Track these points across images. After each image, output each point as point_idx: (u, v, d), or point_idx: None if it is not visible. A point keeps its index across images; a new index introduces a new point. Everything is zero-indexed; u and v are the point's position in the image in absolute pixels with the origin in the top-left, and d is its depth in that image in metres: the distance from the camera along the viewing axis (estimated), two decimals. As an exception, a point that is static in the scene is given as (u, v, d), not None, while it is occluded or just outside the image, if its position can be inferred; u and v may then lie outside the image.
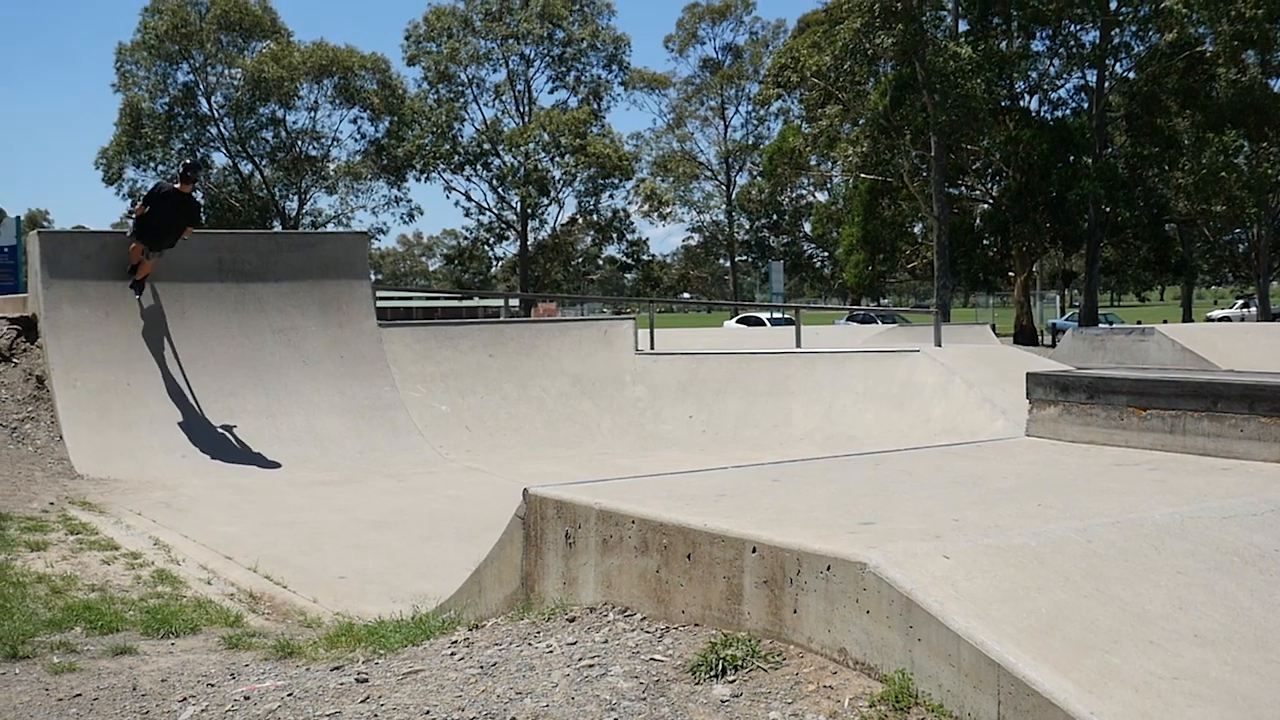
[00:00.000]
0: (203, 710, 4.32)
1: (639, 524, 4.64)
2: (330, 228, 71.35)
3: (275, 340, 15.08)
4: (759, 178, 79.81)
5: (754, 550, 4.10)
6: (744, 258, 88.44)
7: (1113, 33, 55.13)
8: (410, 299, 75.49)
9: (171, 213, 14.33)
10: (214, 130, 71.60)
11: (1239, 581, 3.90)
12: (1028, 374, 6.93)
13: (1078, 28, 56.62)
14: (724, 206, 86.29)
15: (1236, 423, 5.69)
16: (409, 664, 4.62)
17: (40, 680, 5.23)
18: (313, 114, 72.83)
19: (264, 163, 72.90)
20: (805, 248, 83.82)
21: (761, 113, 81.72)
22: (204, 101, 70.76)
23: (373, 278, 18.30)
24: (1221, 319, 72.32)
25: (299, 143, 72.76)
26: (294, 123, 72.78)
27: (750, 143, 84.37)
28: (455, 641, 4.87)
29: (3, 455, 12.77)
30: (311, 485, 12.39)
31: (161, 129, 69.24)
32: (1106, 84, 56.09)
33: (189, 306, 14.95)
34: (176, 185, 14.35)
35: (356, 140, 75.57)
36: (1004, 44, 55.77)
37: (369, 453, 14.04)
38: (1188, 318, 69.73)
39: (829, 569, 3.84)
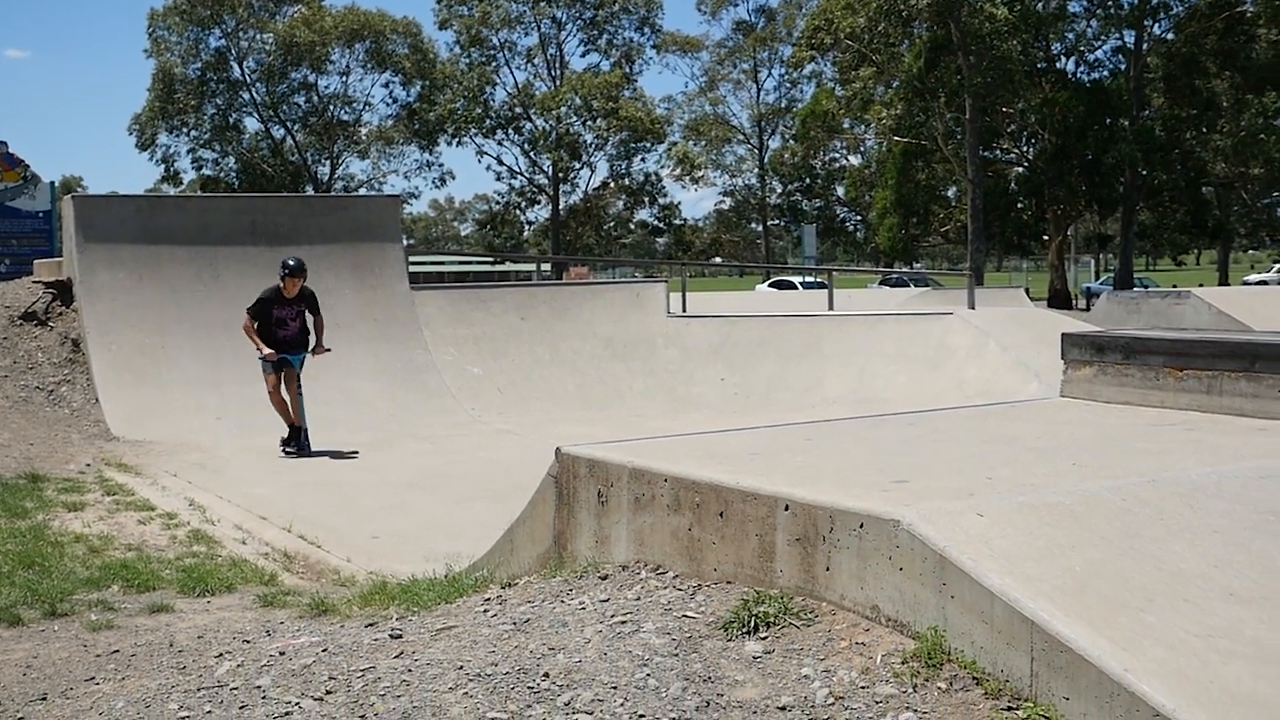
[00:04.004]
0: (238, 665, 4.35)
1: (671, 482, 4.64)
2: (362, 192, 71.45)
3: (309, 303, 15.13)
4: (792, 141, 79.31)
5: (786, 508, 4.10)
6: (776, 222, 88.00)
7: (1151, -8, 54.46)
8: (442, 264, 75.71)
9: (286, 315, 12.48)
10: (246, 95, 71.85)
11: (1274, 540, 3.87)
12: (1063, 334, 6.88)
13: (1116, -12, 55.96)
14: (756, 170, 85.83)
15: (1275, 383, 5.64)
16: (442, 620, 4.64)
17: (79, 637, 5.29)
18: (344, 78, 73.02)
19: (296, 128, 73.09)
20: (838, 211, 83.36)
21: (794, 75, 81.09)
22: (236, 67, 70.98)
23: (405, 242, 18.33)
24: (1259, 283, 71.64)
25: (331, 107, 72.89)
26: (326, 87, 72.99)
27: (783, 106, 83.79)
28: (488, 599, 4.89)
29: (40, 417, 12.89)
30: (345, 446, 12.46)
31: (194, 94, 69.45)
32: (1144, 45, 55.50)
33: (222, 270, 15.01)
34: (281, 286, 12.42)
35: (388, 105, 75.82)
36: (1040, 5, 55.14)
37: (401, 415, 14.09)
38: (1224, 282, 69.02)
39: (862, 526, 3.83)
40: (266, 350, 12.15)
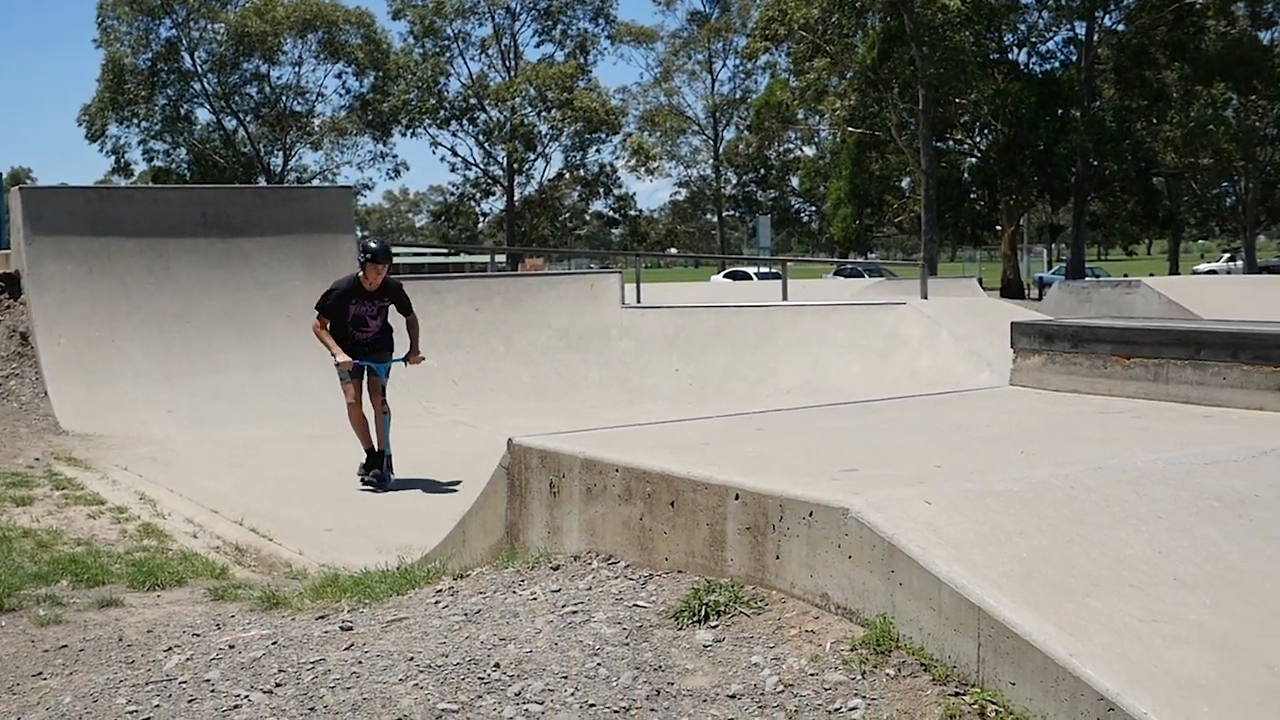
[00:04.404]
0: (188, 659, 4.32)
1: (623, 472, 4.65)
2: (315, 184, 70.99)
3: (260, 295, 15.02)
4: (746, 132, 79.46)
5: (737, 497, 4.11)
6: (731, 212, 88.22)
7: (1102, -16, 54.93)
8: (397, 255, 75.27)
9: (366, 312, 10.14)
10: (197, 86, 71.16)
11: (1219, 526, 3.91)
12: (1012, 323, 6.94)
13: (1067, -21, 56.40)
14: (711, 161, 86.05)
15: (1219, 370, 5.70)
16: (394, 612, 4.63)
17: (27, 632, 5.24)
18: (297, 69, 72.53)
19: (248, 119, 72.51)
20: (792, 202, 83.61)
21: (749, 66, 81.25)
22: (187, 57, 70.32)
23: (359, 233, 18.22)
24: (1208, 272, 72.43)
25: (283, 98, 72.37)
26: (278, 78, 72.48)
27: (738, 97, 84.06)
28: (440, 590, 4.89)
29: (-12, 411, 12.75)
30: (297, 439, 12.39)
31: (144, 85, 68.76)
32: (1095, 36, 55.97)
33: (173, 262, 14.87)
34: (360, 275, 10.01)
35: (341, 96, 75.28)
36: (992, -4, 55.44)
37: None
38: (1174, 271, 69.75)
39: (811, 515, 3.85)
40: (342, 357, 9.82)
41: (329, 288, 10.16)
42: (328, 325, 10.01)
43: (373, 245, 10.07)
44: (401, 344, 10.45)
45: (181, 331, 14.25)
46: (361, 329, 10.12)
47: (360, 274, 10.00)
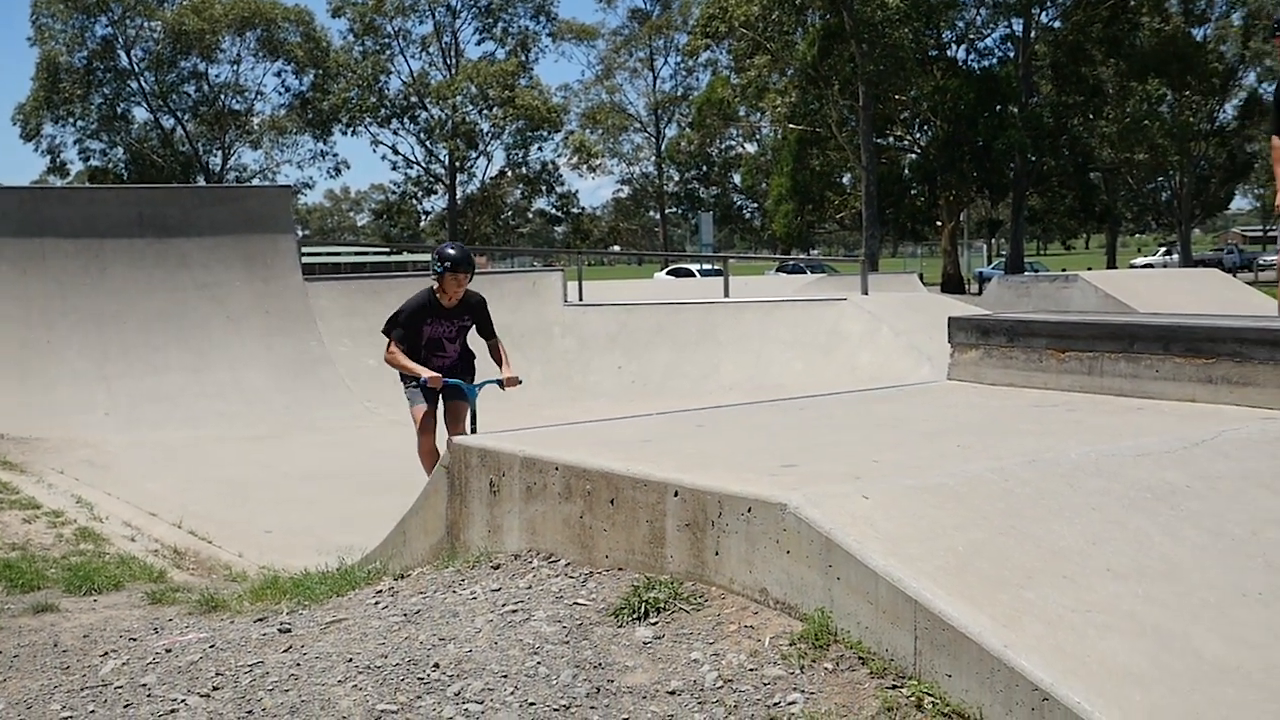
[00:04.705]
0: (124, 664, 4.28)
1: (562, 470, 4.65)
2: (255, 183, 70.31)
3: (199, 296, 14.89)
4: (688, 129, 79.58)
5: (676, 494, 4.12)
6: (674, 210, 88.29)
7: (1039, -19, 55.46)
8: (338, 254, 74.78)
9: (443, 334, 8.57)
10: (134, 85, 70.32)
11: (1150, 517, 3.96)
12: (949, 318, 6.99)
13: (1005, -24, 56.91)
14: (653, 158, 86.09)
15: (1151, 363, 5.77)
16: (333, 614, 4.61)
17: (-41, 639, 5.16)
18: (235, 67, 71.84)
19: (186, 118, 71.73)
20: (735, 199, 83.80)
21: (690, 64, 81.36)
22: (123, 55, 69.47)
23: (299, 233, 18.11)
24: (1145, 266, 73.29)
25: (222, 97, 71.67)
26: (216, 76, 71.75)
27: (679, 94, 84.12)
28: (380, 591, 4.87)
29: (-80, 415, 12.56)
30: (238, 441, 12.30)
31: (80, 84, 67.87)
32: (1032, 33, 56.52)
33: (110, 263, 14.71)
34: (436, 289, 8.40)
35: (281, 94, 74.76)
36: (931, -7, 55.84)
37: (296, 407, 13.92)
38: (1112, 265, 70.58)
39: (749, 510, 3.86)
40: (429, 373, 8.19)
41: (398, 308, 8.53)
42: (403, 350, 8.38)
43: (451, 252, 8.36)
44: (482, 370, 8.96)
45: (119, 333, 14.10)
46: (438, 353, 8.53)
47: (436, 288, 8.37)
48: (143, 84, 70.32)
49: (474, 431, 8.19)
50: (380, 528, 6.41)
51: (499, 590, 4.41)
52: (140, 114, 71.78)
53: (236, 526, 8.36)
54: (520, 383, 8.69)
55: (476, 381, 8.63)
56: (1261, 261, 61.16)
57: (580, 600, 4.14)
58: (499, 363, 8.71)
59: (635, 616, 3.92)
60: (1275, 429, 4.92)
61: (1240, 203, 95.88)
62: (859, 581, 3.51)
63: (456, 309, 8.48)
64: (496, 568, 4.70)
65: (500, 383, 8.62)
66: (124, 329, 14.13)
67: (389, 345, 8.43)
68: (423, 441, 8.51)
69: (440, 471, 5.44)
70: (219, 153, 73.17)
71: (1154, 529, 3.90)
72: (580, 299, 17.88)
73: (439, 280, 8.34)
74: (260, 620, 4.74)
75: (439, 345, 8.52)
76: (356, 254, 74.03)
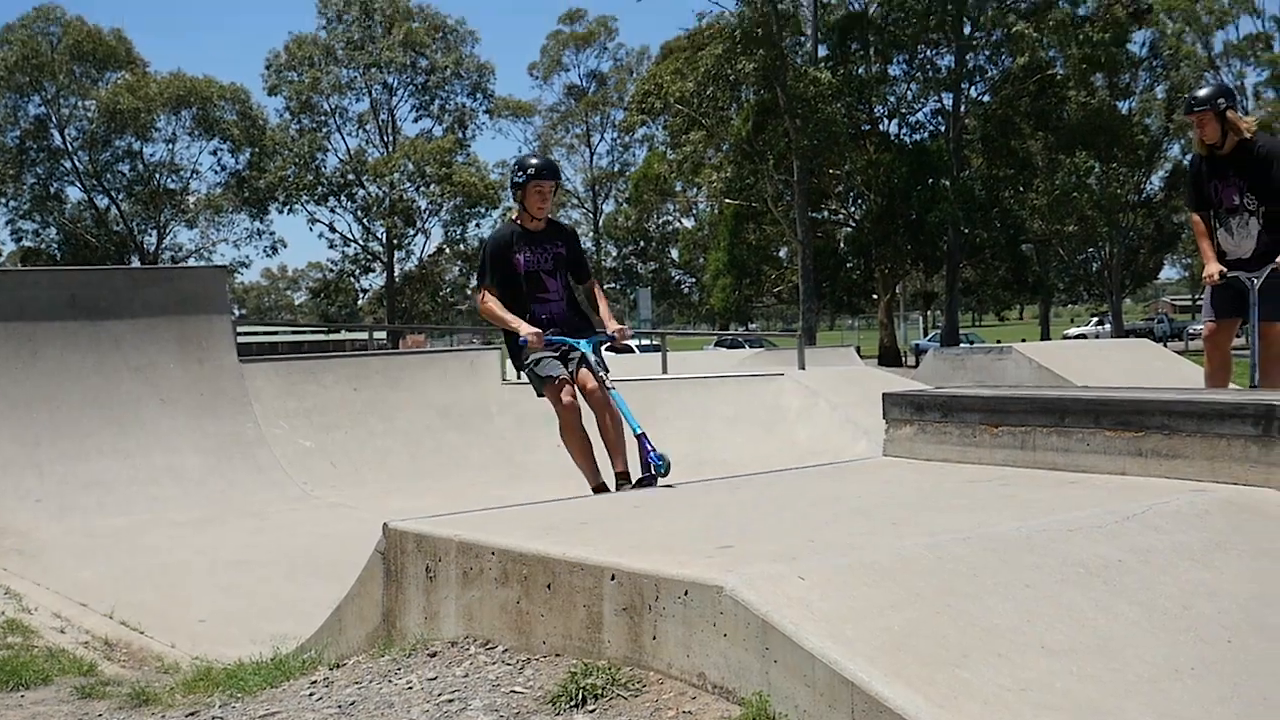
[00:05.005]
0: (51, 763, 4.19)
1: (499, 555, 4.62)
2: (191, 262, 69.86)
3: (133, 379, 14.72)
4: (625, 204, 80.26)
5: (613, 578, 4.11)
6: (612, 285, 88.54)
7: (967, 57, 56.64)
8: (275, 334, 74.36)
9: (539, 264, 7.58)
10: (68, 164, 69.90)
11: (1084, 592, 4.00)
12: (884, 395, 7.05)
13: (933, 53, 58.11)
14: (591, 233, 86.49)
15: (1083, 437, 5.84)
16: (266, 706, 4.54)
17: (-120, 739, 5.04)
18: (171, 146, 71.57)
19: (121, 197, 71.30)
20: (673, 274, 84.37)
21: (627, 139, 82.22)
22: (57, 134, 69.07)
23: (236, 312, 18.01)
24: (1078, 336, 74.31)
25: (157, 175, 71.35)
26: (151, 155, 71.44)
27: (616, 169, 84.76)
28: (315, 681, 4.80)
29: None
30: (171, 526, 12.11)
31: (12, 163, 67.37)
32: (962, 107, 57.54)
33: (41, 346, 14.52)
34: (519, 209, 7.51)
35: (217, 172, 74.30)
36: (862, 69, 56.91)
37: (231, 491, 13.76)
38: (1046, 336, 71.50)
39: (686, 594, 3.85)
40: (526, 328, 7.29)
41: (486, 243, 7.61)
42: (495, 296, 7.36)
43: (533, 160, 7.46)
44: None
45: (50, 417, 13.89)
46: (540, 292, 7.47)
47: (516, 212, 7.40)
48: (76, 163, 69.95)
49: (608, 385, 7.66)
50: (316, 614, 6.33)
51: (435, 679, 4.36)
52: (74, 193, 71.42)
53: (170, 616, 8.22)
54: (632, 349, 7.00)
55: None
56: (1191, 330, 62.19)
57: (517, 688, 4.11)
58: (597, 310, 7.83)
59: (573, 704, 3.89)
60: (1204, 501, 4.99)
61: (1169, 272, 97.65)
62: (796, 664, 3.50)
63: (546, 233, 7.43)
64: (433, 655, 4.65)
65: (611, 339, 7.73)
66: (56, 413, 13.92)
67: (482, 296, 7.39)
68: (567, 427, 7.50)
69: (376, 557, 5.39)
70: (154, 232, 72.73)
71: (1087, 604, 3.93)
72: (519, 376, 17.84)
73: (520, 194, 7.35)
74: (192, 715, 4.66)
75: (538, 282, 7.40)
76: (294, 333, 73.64)
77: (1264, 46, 66.52)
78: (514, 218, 7.38)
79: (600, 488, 7.45)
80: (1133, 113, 64.33)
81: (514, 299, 7.31)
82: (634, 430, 7.50)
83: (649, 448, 7.42)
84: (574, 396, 7.36)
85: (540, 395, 7.72)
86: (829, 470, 6.85)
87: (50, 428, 13.49)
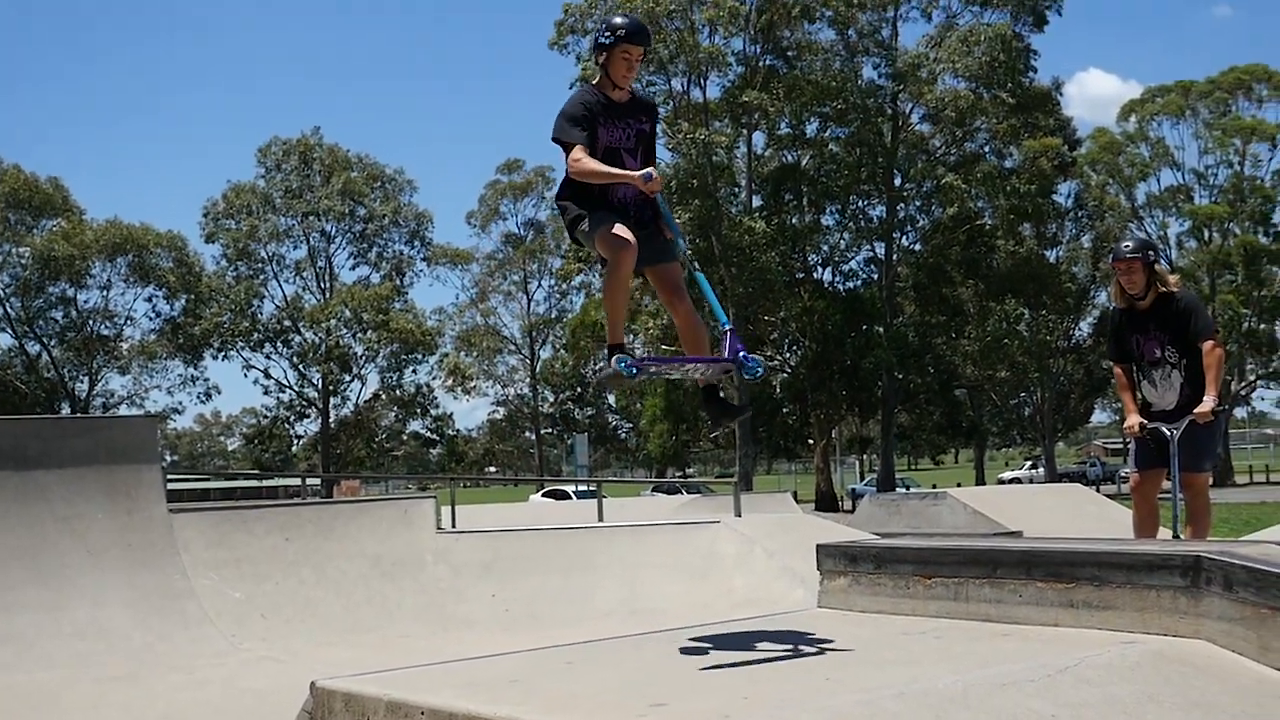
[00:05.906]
0: None
1: (428, 715, 4.54)
2: (123, 409, 69.30)
3: (59, 530, 14.44)
4: (563, 351, 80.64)
5: (543, 739, 4.05)
6: (549, 430, 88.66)
7: (898, 207, 57.96)
8: (207, 480, 73.52)
9: (620, 142, 6.18)
10: (-1, 311, 69.50)
11: (1017, 749, 3.98)
12: (818, 546, 7.06)
13: (865, 203, 59.41)
14: (528, 380, 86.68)
15: (1015, 588, 5.86)
16: None
17: None
18: (105, 292, 71.42)
19: (53, 343, 70.81)
20: (610, 419, 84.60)
21: (564, 286, 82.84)
22: (-12, 282, 68.77)
23: (168, 459, 17.83)
24: (1012, 480, 74.88)
25: (90, 322, 70.99)
26: (85, 301, 71.22)
27: (553, 316, 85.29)
28: None
29: None
30: (94, 682, 11.80)
31: (-56, 309, 66.93)
32: (895, 256, 58.66)
33: (-36, 497, 14.26)
34: (604, 75, 6.12)
35: (151, 319, 74.06)
36: (796, 219, 57.99)
37: (157, 645, 13.44)
38: (980, 479, 72.09)
39: (617, 756, 3.80)
40: (636, 175, 5.87)
41: (560, 113, 6.06)
42: (584, 155, 5.92)
43: (620, 20, 6.12)
44: None
45: (-29, 571, 13.58)
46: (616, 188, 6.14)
47: (598, 79, 6.19)
48: (8, 309, 69.49)
49: (685, 260, 6.72)
50: (240, 776, 6.17)
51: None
52: (4, 340, 70.82)
53: (89, 777, 7.97)
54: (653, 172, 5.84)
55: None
56: (1122, 474, 62.86)
57: None
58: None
59: None
60: (1135, 654, 5.00)
61: (1100, 416, 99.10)
62: (729, 828, 3.45)
63: (630, 106, 6.23)
64: (359, 820, 4.54)
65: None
66: (-23, 566, 13.61)
67: (572, 154, 6.00)
68: (613, 271, 6.31)
69: (304, 716, 5.27)
70: (85, 378, 72.10)
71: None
72: (454, 525, 17.70)
73: (605, 59, 6.08)
74: None
75: (617, 157, 6.13)
76: (226, 480, 72.84)
77: (1185, 198, 68.66)
78: (596, 81, 6.22)
79: (617, 347, 6.29)
80: (1060, 261, 65.94)
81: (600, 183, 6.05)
82: (723, 324, 6.52)
83: (739, 346, 6.46)
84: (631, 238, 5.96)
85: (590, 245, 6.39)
86: (763, 623, 6.81)
87: (-29, 582, 13.18)
